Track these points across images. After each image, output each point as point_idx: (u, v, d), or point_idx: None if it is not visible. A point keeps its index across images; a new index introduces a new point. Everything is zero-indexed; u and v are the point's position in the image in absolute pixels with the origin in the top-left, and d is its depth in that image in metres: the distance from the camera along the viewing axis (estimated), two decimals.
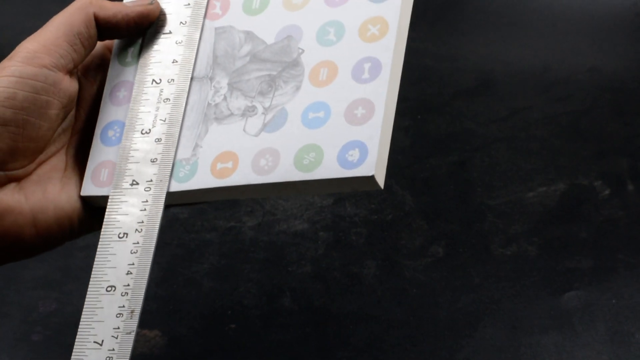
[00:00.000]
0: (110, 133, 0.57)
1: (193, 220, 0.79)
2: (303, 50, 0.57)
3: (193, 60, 0.57)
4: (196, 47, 0.58)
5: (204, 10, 0.59)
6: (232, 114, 0.57)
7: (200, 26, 0.58)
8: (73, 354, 0.53)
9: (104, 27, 0.57)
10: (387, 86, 0.55)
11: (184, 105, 0.56)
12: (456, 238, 0.79)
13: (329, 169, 0.53)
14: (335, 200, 0.82)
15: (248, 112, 0.57)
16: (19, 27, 0.96)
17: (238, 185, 0.54)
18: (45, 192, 0.54)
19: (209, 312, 0.73)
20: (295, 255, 0.77)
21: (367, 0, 0.58)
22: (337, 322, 0.72)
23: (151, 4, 0.58)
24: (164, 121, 0.56)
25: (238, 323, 0.72)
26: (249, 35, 0.59)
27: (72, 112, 0.57)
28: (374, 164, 0.52)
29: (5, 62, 0.55)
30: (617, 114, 0.90)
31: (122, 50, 0.59)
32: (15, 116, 0.53)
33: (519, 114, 0.90)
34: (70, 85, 0.55)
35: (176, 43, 0.58)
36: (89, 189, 0.56)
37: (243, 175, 0.54)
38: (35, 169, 0.56)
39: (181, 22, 0.58)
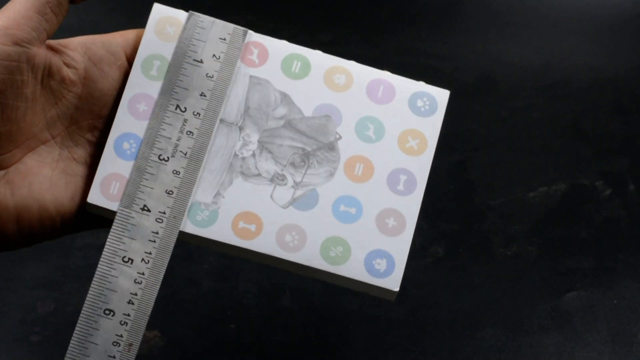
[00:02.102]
0: (126, 146, 0.56)
1: None
2: (340, 137, 0.58)
3: (223, 101, 0.56)
4: (228, 88, 0.56)
5: (240, 50, 0.57)
6: (260, 175, 0.57)
7: (235, 66, 0.57)
8: None
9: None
10: (419, 204, 0.57)
11: (209, 145, 0.55)
12: (456, 238, 0.79)
13: (355, 270, 0.55)
14: None
15: (277, 179, 0.57)
16: None
17: (258, 252, 0.55)
18: (31, 188, 0.54)
19: (209, 312, 0.73)
20: None
21: (408, 108, 0.59)
22: (337, 322, 0.72)
23: None
24: (185, 155, 0.55)
25: (238, 323, 0.72)
26: (286, 99, 0.58)
27: (70, 100, 0.56)
28: (399, 280, 0.56)
29: None
30: (617, 114, 0.90)
31: (147, 61, 0.57)
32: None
33: (519, 114, 0.90)
34: (45, 57, 0.54)
35: (207, 76, 0.56)
36: (97, 198, 0.55)
37: (266, 244, 0.55)
38: (22, 157, 0.55)
39: (214, 56, 0.57)
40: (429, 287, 0.75)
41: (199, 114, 0.55)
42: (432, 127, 0.59)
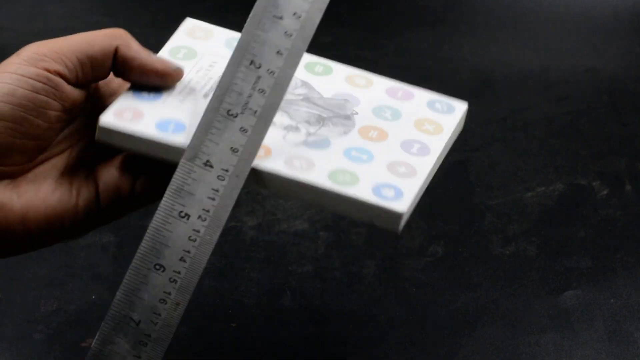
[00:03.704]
0: (144, 93, 0.56)
1: None
2: (357, 113, 0.58)
3: (299, 62, 0.54)
4: (305, 48, 0.54)
5: (322, 11, 0.55)
6: (273, 124, 0.56)
7: (315, 27, 0.54)
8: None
9: (119, 65, 0.56)
10: (431, 166, 0.56)
11: (278, 106, 0.53)
12: (455, 238, 0.79)
13: (362, 192, 0.53)
14: None
15: (291, 129, 0.56)
16: (20, 29, 0.97)
17: (265, 172, 0.53)
18: (38, 191, 0.54)
19: (210, 311, 0.73)
20: (295, 255, 0.77)
21: (427, 107, 0.60)
22: (337, 321, 0.72)
23: (175, 70, 0.57)
24: (255, 113, 0.52)
25: (238, 322, 0.72)
26: (306, 85, 0.59)
27: (83, 120, 0.57)
28: (407, 204, 0.53)
29: (11, 58, 0.54)
30: (615, 115, 0.90)
31: (175, 49, 0.58)
32: (13, 112, 0.52)
33: (518, 115, 0.90)
34: (73, 92, 0.55)
35: (285, 34, 0.54)
36: (109, 120, 0.54)
37: (274, 165, 0.53)
38: (32, 168, 0.56)
39: (295, 14, 0.54)
40: (428, 287, 0.75)
41: (274, 72, 0.53)
42: (449, 122, 0.60)
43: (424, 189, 0.57)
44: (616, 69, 0.95)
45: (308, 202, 0.54)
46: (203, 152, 0.51)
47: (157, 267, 0.50)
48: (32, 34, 0.96)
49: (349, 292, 0.74)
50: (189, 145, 0.52)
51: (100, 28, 0.97)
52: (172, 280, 0.50)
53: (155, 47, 0.96)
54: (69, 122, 0.56)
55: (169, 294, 0.50)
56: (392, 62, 0.94)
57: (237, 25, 0.99)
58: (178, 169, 0.51)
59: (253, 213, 0.80)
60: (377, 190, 0.54)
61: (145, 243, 0.50)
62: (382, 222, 0.53)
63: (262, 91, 0.52)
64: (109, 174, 0.55)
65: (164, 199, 0.51)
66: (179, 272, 0.50)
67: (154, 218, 0.51)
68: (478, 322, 0.73)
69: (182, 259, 0.50)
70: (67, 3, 1.00)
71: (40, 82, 0.53)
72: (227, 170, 0.51)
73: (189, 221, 0.50)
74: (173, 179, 0.51)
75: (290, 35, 0.54)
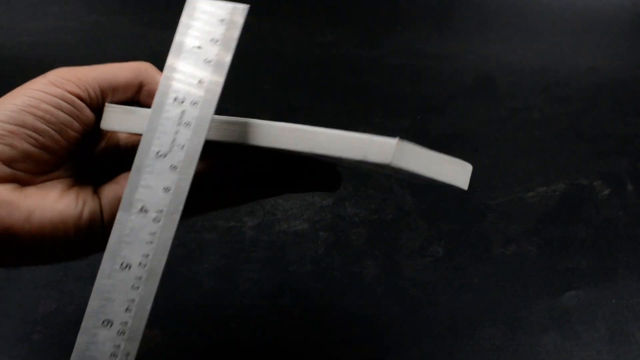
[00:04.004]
0: None
1: (193, 220, 0.80)
2: None
3: (219, 92, 0.54)
4: (225, 73, 0.54)
5: (239, 29, 0.54)
6: None
7: (234, 45, 0.54)
8: None
9: (144, 98, 0.58)
10: None
11: (205, 133, 0.53)
12: (456, 238, 0.79)
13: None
14: (335, 200, 0.82)
15: None
16: (19, 28, 0.97)
17: (257, 124, 0.53)
18: (45, 197, 0.55)
19: (210, 312, 0.73)
20: (295, 255, 0.77)
21: None
22: (337, 322, 0.72)
23: None
24: (182, 148, 0.53)
25: (238, 322, 0.72)
26: None
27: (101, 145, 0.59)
28: (397, 140, 0.51)
29: (38, 79, 0.56)
30: (616, 114, 0.90)
31: None
32: (35, 122, 0.55)
33: (518, 114, 0.90)
34: (92, 116, 0.57)
35: (205, 61, 0.54)
36: (114, 105, 0.56)
37: (264, 120, 0.54)
38: (42, 181, 0.56)
39: (212, 39, 0.54)
40: (429, 287, 0.75)
41: (196, 103, 0.53)
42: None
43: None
44: (617, 68, 0.95)
45: (299, 147, 0.53)
46: (137, 200, 0.52)
47: (105, 322, 0.51)
48: (32, 33, 0.96)
49: (349, 292, 0.75)
50: (123, 196, 0.53)
51: (98, 28, 0.97)
52: (120, 332, 0.51)
53: (156, 47, 0.96)
54: (85, 147, 0.58)
55: (119, 346, 0.51)
56: (391, 61, 0.94)
57: None
58: (116, 222, 0.52)
59: (253, 213, 0.80)
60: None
61: (91, 302, 0.51)
62: (375, 154, 0.52)
63: (187, 124, 0.53)
64: (112, 190, 0.56)
65: (105, 253, 0.52)
66: (126, 323, 0.51)
67: (98, 275, 0.52)
68: (478, 322, 0.73)
69: (127, 309, 0.51)
70: (65, 3, 1.00)
71: (65, 101, 0.55)
72: (161, 211, 0.52)
73: (131, 270, 0.51)
74: (112, 233, 0.52)
75: (210, 61, 0.54)
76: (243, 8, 0.55)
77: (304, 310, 0.73)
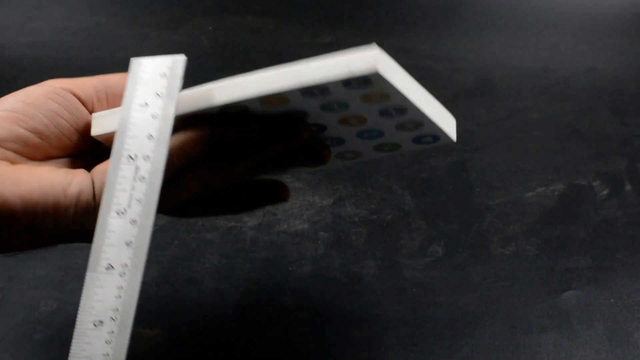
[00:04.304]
0: None
1: (194, 220, 0.80)
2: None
3: (168, 137, 0.56)
4: (171, 124, 0.56)
5: (180, 79, 0.57)
6: None
7: (176, 96, 0.56)
8: None
9: None
10: (421, 108, 0.57)
11: (159, 185, 0.55)
12: (455, 238, 0.79)
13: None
14: (335, 200, 0.82)
15: None
16: (20, 29, 0.97)
17: (243, 78, 0.54)
18: (35, 169, 0.56)
19: (210, 312, 0.73)
20: (295, 255, 0.77)
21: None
22: (337, 322, 0.72)
23: None
24: (140, 202, 0.55)
25: (238, 322, 0.72)
26: None
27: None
28: (375, 46, 0.53)
29: (32, 86, 0.59)
30: (615, 115, 0.90)
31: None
32: (25, 108, 0.57)
33: (518, 115, 0.90)
34: (86, 113, 0.59)
35: (152, 117, 0.56)
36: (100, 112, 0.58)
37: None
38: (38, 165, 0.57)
39: (157, 94, 0.57)
40: (428, 287, 0.75)
41: (149, 157, 0.55)
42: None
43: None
44: (616, 69, 0.95)
45: (287, 84, 0.54)
46: (103, 258, 0.54)
47: None
48: (33, 34, 0.96)
49: (349, 292, 0.75)
50: (90, 256, 0.54)
51: (99, 29, 0.97)
52: None
53: (156, 47, 0.96)
54: (75, 143, 0.59)
55: None
56: None
57: (237, 25, 0.99)
58: (85, 283, 0.54)
59: (253, 213, 0.80)
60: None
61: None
62: (359, 68, 0.52)
63: (142, 178, 0.55)
64: (104, 166, 0.57)
65: (78, 315, 0.54)
66: None
67: (73, 336, 0.53)
68: (478, 322, 0.73)
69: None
70: (67, 3, 1.00)
71: (56, 94, 0.58)
72: (126, 265, 0.54)
73: (104, 326, 0.53)
74: (83, 293, 0.54)
75: (157, 116, 0.56)
76: (182, 60, 0.57)
77: (304, 310, 0.73)
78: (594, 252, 0.78)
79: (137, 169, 0.55)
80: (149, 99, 0.57)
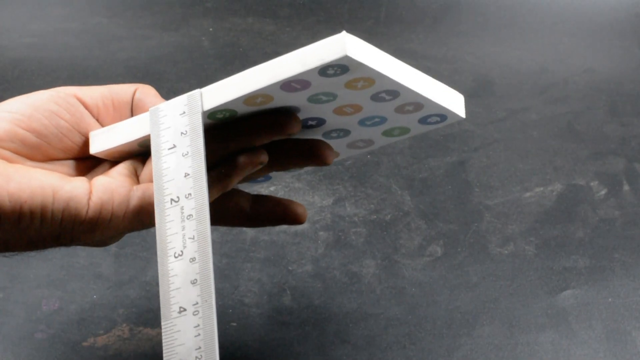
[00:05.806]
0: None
1: None
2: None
3: (204, 169, 0.56)
4: (203, 157, 0.56)
5: (200, 113, 0.57)
6: None
7: (202, 129, 0.56)
8: None
9: (136, 107, 0.61)
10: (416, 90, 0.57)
11: (208, 218, 0.55)
12: (454, 238, 0.79)
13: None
14: (335, 200, 0.82)
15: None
16: (22, 30, 0.97)
17: (222, 82, 0.55)
18: (29, 169, 0.56)
19: None
20: (295, 255, 0.77)
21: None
22: (336, 321, 0.73)
23: None
24: (193, 239, 0.55)
25: (239, 321, 0.72)
26: None
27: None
28: (343, 32, 0.53)
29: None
30: (613, 115, 0.90)
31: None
32: (23, 107, 0.57)
33: (516, 115, 0.90)
34: (88, 115, 0.60)
35: (183, 155, 0.56)
36: (98, 130, 0.59)
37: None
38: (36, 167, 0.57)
39: (182, 133, 0.57)
40: (427, 286, 0.75)
41: (190, 194, 0.55)
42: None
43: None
44: (614, 69, 0.95)
45: (266, 80, 0.54)
46: (173, 303, 0.54)
47: None
48: (34, 35, 0.97)
49: (349, 291, 0.75)
50: (160, 305, 0.54)
51: (100, 30, 0.97)
52: None
53: (156, 48, 0.96)
54: (86, 149, 0.60)
55: None
56: None
57: (237, 26, 0.99)
58: (163, 332, 0.54)
59: None
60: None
61: None
62: (329, 54, 0.52)
63: (190, 217, 0.55)
64: (104, 180, 0.57)
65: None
66: None
67: None
68: (477, 321, 0.73)
69: None
70: (67, 4, 1.00)
71: (58, 96, 0.59)
72: (197, 303, 0.54)
73: None
74: (163, 341, 0.54)
75: (187, 154, 0.56)
76: (197, 94, 0.57)
77: (304, 309, 0.73)
78: (592, 251, 0.78)
79: (182, 209, 0.55)
80: (175, 140, 0.56)
